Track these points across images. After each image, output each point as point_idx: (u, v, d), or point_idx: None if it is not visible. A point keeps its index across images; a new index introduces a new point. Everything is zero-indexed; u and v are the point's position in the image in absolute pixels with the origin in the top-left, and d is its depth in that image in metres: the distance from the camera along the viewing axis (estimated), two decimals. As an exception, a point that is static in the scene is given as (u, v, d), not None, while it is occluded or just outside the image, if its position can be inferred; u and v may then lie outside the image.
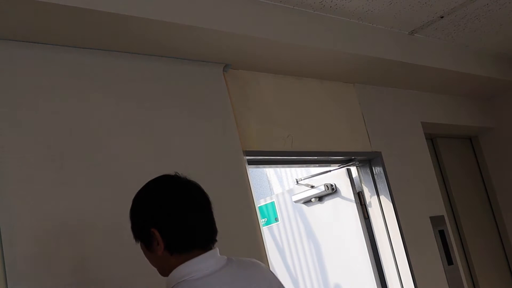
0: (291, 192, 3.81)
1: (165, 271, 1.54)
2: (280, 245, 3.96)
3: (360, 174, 3.45)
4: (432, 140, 4.23)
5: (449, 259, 3.54)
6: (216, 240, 1.60)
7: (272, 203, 3.98)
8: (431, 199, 3.66)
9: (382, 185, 3.37)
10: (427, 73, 3.62)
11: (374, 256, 3.36)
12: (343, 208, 3.48)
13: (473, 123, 4.29)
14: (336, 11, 2.96)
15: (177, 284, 1.46)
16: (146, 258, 1.62)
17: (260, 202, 4.05)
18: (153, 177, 1.69)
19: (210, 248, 1.56)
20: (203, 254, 1.52)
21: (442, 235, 3.57)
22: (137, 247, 1.63)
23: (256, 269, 1.62)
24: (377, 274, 3.34)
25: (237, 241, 2.51)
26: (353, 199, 3.42)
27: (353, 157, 3.35)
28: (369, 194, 3.41)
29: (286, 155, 2.96)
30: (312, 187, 3.60)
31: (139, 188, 2.25)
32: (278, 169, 4.83)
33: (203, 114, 2.60)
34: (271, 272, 1.71)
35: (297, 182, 3.74)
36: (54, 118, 2.14)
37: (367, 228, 3.40)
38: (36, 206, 1.99)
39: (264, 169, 4.94)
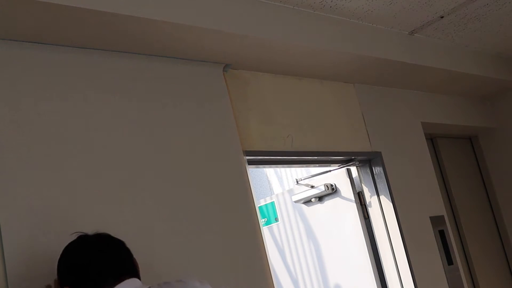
0: (291, 192, 3.81)
1: None
2: (280, 245, 3.97)
3: (360, 174, 3.45)
4: (432, 140, 4.23)
5: (449, 259, 3.54)
6: (129, 274, 1.73)
7: (272, 203, 3.98)
8: (431, 199, 3.66)
9: (382, 185, 3.37)
10: (427, 73, 3.62)
11: (374, 256, 3.36)
12: (343, 208, 3.48)
13: (473, 123, 4.29)
14: (336, 11, 2.96)
15: None
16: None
17: (260, 202, 4.05)
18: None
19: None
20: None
21: (442, 235, 3.57)
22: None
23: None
24: (377, 274, 3.34)
25: (237, 241, 2.51)
26: (353, 199, 3.42)
27: (353, 157, 3.35)
28: (369, 194, 3.41)
29: (286, 155, 2.96)
30: (312, 187, 3.60)
31: (138, 188, 2.28)
32: (278, 169, 4.83)
33: (203, 114, 2.60)
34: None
35: (297, 182, 3.74)
36: (54, 118, 2.14)
37: (367, 228, 3.40)
38: (36, 206, 1.99)
39: (264, 169, 4.94)
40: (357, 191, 3.45)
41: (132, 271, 1.75)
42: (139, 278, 1.75)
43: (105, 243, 1.79)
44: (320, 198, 3.60)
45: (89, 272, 1.69)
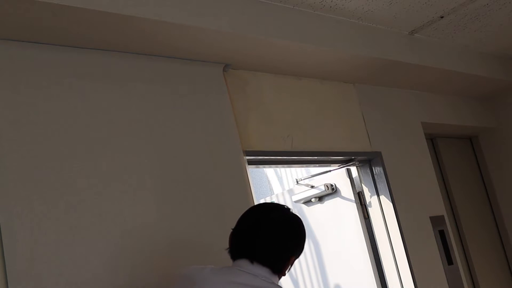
0: (291, 192, 3.81)
1: None
2: (280, 245, 3.95)
3: (360, 174, 3.45)
4: (432, 140, 4.23)
5: (449, 259, 3.54)
6: (254, 260, 1.80)
7: (272, 203, 3.97)
8: (431, 199, 3.66)
9: (382, 185, 3.37)
10: (427, 73, 3.62)
11: (374, 256, 3.36)
12: (343, 208, 3.48)
13: (473, 123, 4.30)
14: (336, 11, 2.96)
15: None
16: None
17: (260, 202, 4.05)
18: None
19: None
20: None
21: (442, 235, 3.57)
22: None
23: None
24: (377, 274, 3.34)
25: (237, 241, 2.51)
26: (353, 199, 3.42)
27: (353, 157, 3.35)
28: (369, 194, 3.41)
29: (286, 155, 2.96)
30: (312, 187, 3.60)
31: (138, 188, 2.28)
32: (278, 169, 4.83)
33: (203, 114, 2.60)
34: None
35: (297, 182, 3.74)
36: (54, 118, 2.14)
37: (367, 228, 3.40)
38: (36, 206, 1.99)
39: (264, 169, 4.94)
40: (357, 191, 3.45)
41: (266, 258, 1.80)
42: (273, 270, 1.80)
43: (274, 222, 1.84)
44: (320, 198, 3.60)
45: (237, 229, 1.88)
